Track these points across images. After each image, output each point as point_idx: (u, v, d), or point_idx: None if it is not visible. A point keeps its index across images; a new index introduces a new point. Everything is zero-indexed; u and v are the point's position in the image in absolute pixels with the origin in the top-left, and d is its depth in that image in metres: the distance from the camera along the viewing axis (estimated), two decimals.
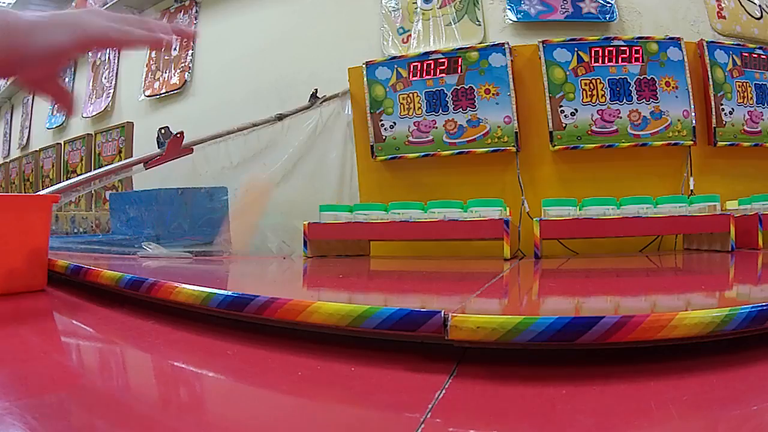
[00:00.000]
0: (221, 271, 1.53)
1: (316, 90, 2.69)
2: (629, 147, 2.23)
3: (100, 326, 0.79)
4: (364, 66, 2.50)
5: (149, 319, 0.77)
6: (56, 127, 4.55)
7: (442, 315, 0.51)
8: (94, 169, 2.55)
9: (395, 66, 2.46)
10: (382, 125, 2.47)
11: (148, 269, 1.39)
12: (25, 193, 4.50)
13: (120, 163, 2.16)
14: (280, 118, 2.66)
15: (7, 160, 5.27)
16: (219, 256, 2.18)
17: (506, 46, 2.33)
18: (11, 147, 5.38)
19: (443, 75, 2.39)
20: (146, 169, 2.00)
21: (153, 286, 0.79)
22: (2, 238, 0.94)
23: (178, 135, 2.03)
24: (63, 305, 0.95)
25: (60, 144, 4.41)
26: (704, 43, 2.27)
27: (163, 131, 2.01)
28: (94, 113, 4.09)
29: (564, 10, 2.52)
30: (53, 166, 4.47)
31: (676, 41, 2.24)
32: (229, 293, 0.67)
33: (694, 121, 2.22)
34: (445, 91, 2.39)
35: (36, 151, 4.70)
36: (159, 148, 2.01)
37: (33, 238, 0.99)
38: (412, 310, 0.53)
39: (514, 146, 2.30)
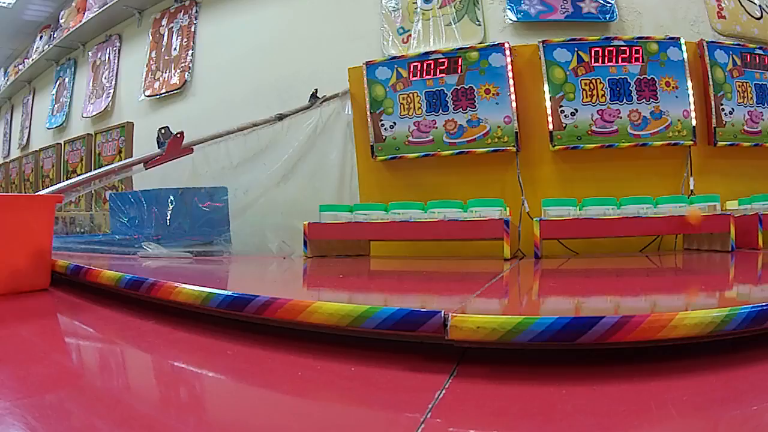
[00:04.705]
0: (221, 271, 1.53)
1: (316, 90, 2.69)
2: (629, 147, 2.23)
3: (100, 326, 0.79)
4: (364, 66, 2.50)
5: (149, 319, 0.77)
6: (56, 127, 4.55)
7: (442, 315, 0.51)
8: (94, 169, 2.55)
9: (395, 66, 2.46)
10: (382, 125, 2.47)
11: (148, 269, 1.39)
12: (24, 192, 4.50)
13: (120, 163, 2.16)
14: (280, 118, 2.66)
15: (7, 160, 5.27)
16: (219, 256, 2.18)
17: (506, 46, 2.33)
18: (11, 147, 5.38)
19: (443, 75, 2.39)
20: (146, 169, 2.00)
21: (153, 286, 0.79)
22: (6, 238, 0.94)
23: (178, 135, 2.03)
24: (65, 305, 0.95)
25: (60, 144, 4.41)
26: (704, 43, 2.27)
27: (163, 131, 2.01)
28: (94, 113, 4.09)
29: (564, 10, 2.52)
30: (53, 166, 4.47)
31: (676, 41, 2.24)
32: (229, 293, 0.67)
33: (694, 121, 2.22)
34: (445, 91, 2.38)
35: (36, 151, 4.71)
36: (159, 148, 2.01)
37: (36, 238, 0.99)
38: (412, 310, 0.54)
39: (514, 146, 2.30)
